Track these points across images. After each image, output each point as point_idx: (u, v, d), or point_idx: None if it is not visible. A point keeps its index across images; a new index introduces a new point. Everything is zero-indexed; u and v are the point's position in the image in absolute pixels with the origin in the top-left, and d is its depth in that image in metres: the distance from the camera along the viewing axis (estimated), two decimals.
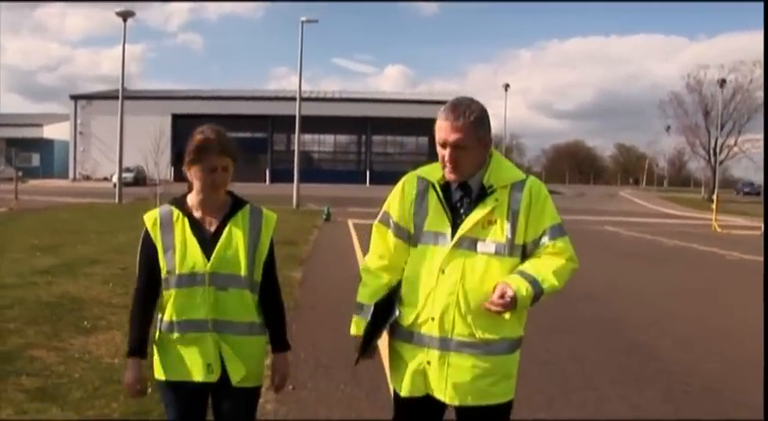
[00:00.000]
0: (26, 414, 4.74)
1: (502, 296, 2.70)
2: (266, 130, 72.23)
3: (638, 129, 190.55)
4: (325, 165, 79.94)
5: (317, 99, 70.79)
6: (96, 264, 11.84)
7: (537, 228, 2.87)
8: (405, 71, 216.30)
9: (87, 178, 68.95)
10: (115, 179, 43.12)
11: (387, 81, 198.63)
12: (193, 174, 2.97)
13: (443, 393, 2.85)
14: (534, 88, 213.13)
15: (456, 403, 2.84)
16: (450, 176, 2.87)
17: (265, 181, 64.72)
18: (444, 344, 2.83)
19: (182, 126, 65.98)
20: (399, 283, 2.98)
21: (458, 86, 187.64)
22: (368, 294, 3.00)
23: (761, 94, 66.98)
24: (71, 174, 71.47)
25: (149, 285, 2.99)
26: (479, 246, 2.84)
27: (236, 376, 2.94)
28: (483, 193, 2.87)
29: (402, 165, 69.25)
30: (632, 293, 11.91)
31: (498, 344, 2.84)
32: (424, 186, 2.97)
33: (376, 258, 3.07)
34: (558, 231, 2.90)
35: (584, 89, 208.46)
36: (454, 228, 2.86)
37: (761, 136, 67.11)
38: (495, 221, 2.85)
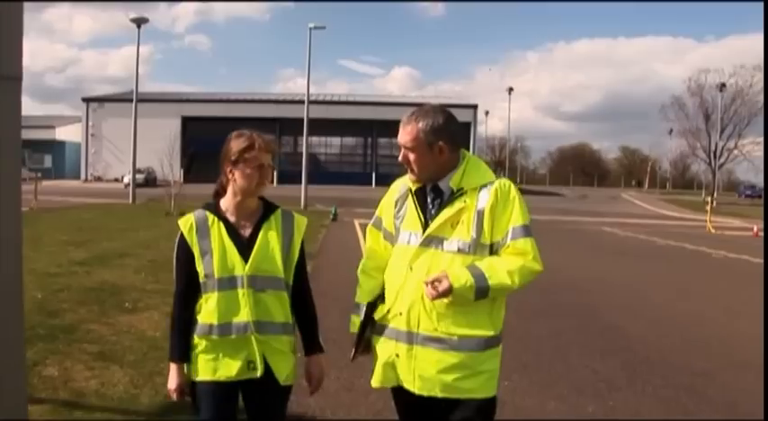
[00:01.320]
0: (94, 370, 5.84)
1: (437, 284, 2.84)
2: (274, 133, 73.21)
3: (646, 132, 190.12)
4: (332, 166, 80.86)
5: (323, 102, 71.70)
6: (125, 257, 12.95)
7: (502, 228, 2.95)
8: (411, 73, 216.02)
9: (98, 179, 70.12)
10: (126, 180, 44.41)
11: (393, 83, 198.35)
12: (239, 173, 3.02)
13: (412, 384, 2.98)
14: (541, 90, 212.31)
15: (425, 394, 2.96)
16: (410, 176, 3.09)
17: (273, 182, 65.50)
18: (411, 338, 2.96)
19: (191, 128, 67.26)
20: None
21: (464, 88, 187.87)
22: (363, 294, 3.19)
23: (761, 98, 68.12)
24: (83, 176, 72.66)
25: (189, 290, 3.03)
26: (446, 244, 2.95)
27: (282, 374, 3.03)
28: (453, 195, 3.00)
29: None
30: (615, 284, 12.97)
31: (466, 340, 2.92)
32: (404, 191, 3.15)
33: (369, 260, 3.26)
34: (520, 232, 2.95)
35: (592, 91, 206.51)
36: (425, 228, 3.00)
37: (761, 139, 68.31)
38: (463, 221, 2.95)
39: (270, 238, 3.05)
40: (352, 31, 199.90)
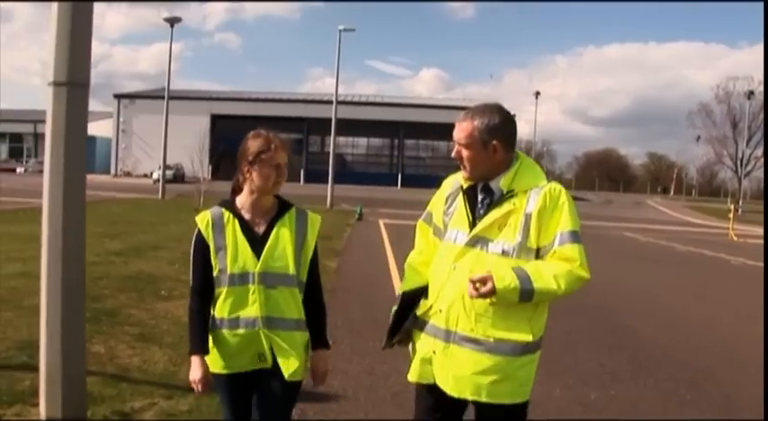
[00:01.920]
0: (135, 349, 6.37)
1: (481, 284, 2.80)
2: (301, 132, 73.83)
3: (675, 138, 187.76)
4: (358, 167, 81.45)
5: (351, 103, 72.21)
6: (159, 249, 13.55)
7: (549, 233, 2.90)
8: (439, 75, 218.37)
9: (128, 174, 71.35)
10: (156, 176, 45.16)
11: (421, 84, 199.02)
12: (256, 173, 3.08)
13: (446, 383, 2.98)
14: (570, 94, 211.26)
15: (455, 395, 2.95)
16: (463, 173, 3.07)
17: (300, 181, 66.36)
18: (448, 336, 2.96)
19: (220, 126, 68.13)
20: None
21: (492, 91, 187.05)
22: (406, 287, 3.19)
23: None
24: (112, 170, 73.85)
25: (205, 284, 3.09)
26: (490, 246, 2.92)
27: (288, 370, 3.06)
28: (502, 196, 2.96)
29: (434, 169, 70.63)
30: (630, 288, 13.29)
31: (502, 344, 2.90)
32: (456, 188, 3.13)
33: (417, 254, 3.26)
34: (568, 237, 2.89)
35: (621, 96, 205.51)
36: (472, 227, 2.97)
37: None
38: (510, 224, 2.91)
39: (283, 236, 3.10)
40: (381, 31, 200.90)
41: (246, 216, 3.13)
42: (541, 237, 2.90)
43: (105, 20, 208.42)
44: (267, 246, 3.06)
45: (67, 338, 4.30)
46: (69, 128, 4.24)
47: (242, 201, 3.15)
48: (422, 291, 3.13)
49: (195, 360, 3.06)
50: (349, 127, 65.91)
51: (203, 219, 3.12)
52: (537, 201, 2.90)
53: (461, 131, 2.99)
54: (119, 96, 77.09)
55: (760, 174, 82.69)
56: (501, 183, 2.97)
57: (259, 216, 3.13)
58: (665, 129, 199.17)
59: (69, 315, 4.32)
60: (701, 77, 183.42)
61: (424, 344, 3.06)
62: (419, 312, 3.10)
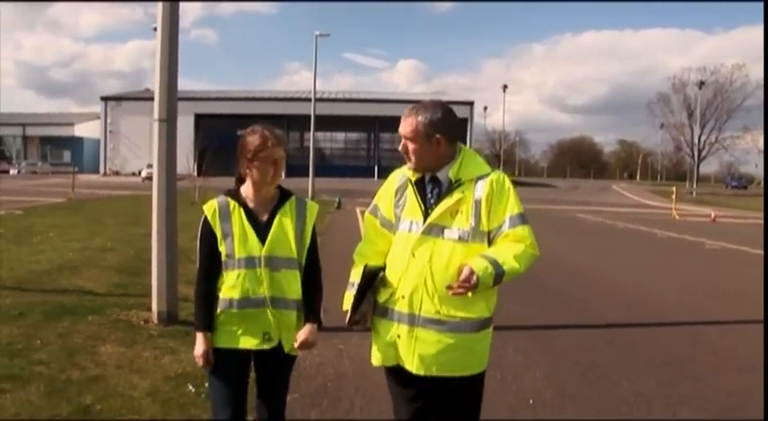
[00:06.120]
0: (189, 288, 9.16)
1: (467, 280, 2.90)
2: (281, 129, 75.19)
3: (650, 124, 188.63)
4: (337, 160, 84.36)
5: (329, 99, 74.33)
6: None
7: (499, 216, 3.05)
8: (417, 66, 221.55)
9: (117, 173, 73.71)
10: (144, 174, 47.25)
11: (399, 76, 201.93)
12: (255, 168, 3.21)
13: (411, 364, 3.09)
14: (547, 83, 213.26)
15: (422, 373, 3.07)
16: (408, 165, 3.19)
17: (281, 175, 68.42)
18: (412, 320, 3.06)
19: (205, 125, 70.05)
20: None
21: (470, 81, 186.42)
22: (358, 274, 3.24)
23: (740, 94, 72.47)
24: (101, 170, 75.93)
25: (211, 267, 3.24)
26: (446, 232, 3.05)
27: (288, 345, 3.26)
28: (451, 186, 3.08)
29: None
30: (553, 252, 16.12)
31: (463, 322, 3.05)
32: (404, 181, 3.23)
33: (366, 244, 3.35)
34: (517, 220, 3.06)
35: (598, 84, 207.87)
36: (426, 217, 3.08)
37: (739, 133, 72.27)
38: (462, 211, 3.05)
39: (285, 223, 3.27)
40: (358, 24, 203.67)
41: (251, 205, 3.29)
42: (491, 221, 3.07)
43: (79, 18, 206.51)
44: (271, 232, 3.24)
45: (169, 266, 7.40)
46: (168, 150, 7.17)
47: (246, 191, 3.32)
48: (377, 273, 3.23)
49: (199, 336, 3.26)
50: (327, 122, 67.81)
51: (210, 208, 3.27)
52: (484, 187, 3.07)
53: (407, 126, 3.13)
54: (105, 99, 79.19)
55: (719, 157, 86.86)
56: (449, 173, 3.12)
57: (262, 205, 3.30)
58: (641, 116, 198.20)
59: (170, 254, 7.40)
60: (677, 63, 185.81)
61: (387, 329, 3.17)
62: (381, 299, 3.19)
